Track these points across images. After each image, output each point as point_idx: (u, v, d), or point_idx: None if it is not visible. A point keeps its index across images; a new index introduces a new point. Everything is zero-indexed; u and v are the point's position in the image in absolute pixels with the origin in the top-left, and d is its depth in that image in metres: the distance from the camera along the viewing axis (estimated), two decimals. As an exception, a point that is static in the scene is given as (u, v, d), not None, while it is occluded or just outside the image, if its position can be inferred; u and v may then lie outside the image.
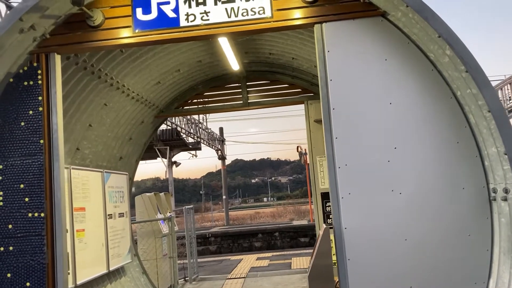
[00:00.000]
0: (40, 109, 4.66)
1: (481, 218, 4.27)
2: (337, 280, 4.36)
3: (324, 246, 4.36)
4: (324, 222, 8.03)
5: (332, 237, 4.44)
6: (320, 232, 4.60)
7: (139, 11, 4.76)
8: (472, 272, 4.25)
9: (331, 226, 4.46)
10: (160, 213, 9.94)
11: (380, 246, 4.34)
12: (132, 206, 9.18)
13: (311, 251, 14.63)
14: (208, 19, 4.70)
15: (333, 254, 4.41)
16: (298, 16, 4.67)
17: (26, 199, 4.58)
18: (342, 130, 4.49)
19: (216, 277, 11.20)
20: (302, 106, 8.47)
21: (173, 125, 23.53)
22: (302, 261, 12.85)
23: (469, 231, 4.28)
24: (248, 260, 13.82)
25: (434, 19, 4.04)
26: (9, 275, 4.54)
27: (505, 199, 4.01)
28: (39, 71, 4.71)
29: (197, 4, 4.73)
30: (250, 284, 10.10)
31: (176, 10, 4.73)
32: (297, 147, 23.75)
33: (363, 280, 4.31)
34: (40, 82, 4.70)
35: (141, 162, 9.50)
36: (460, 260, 4.28)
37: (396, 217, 4.35)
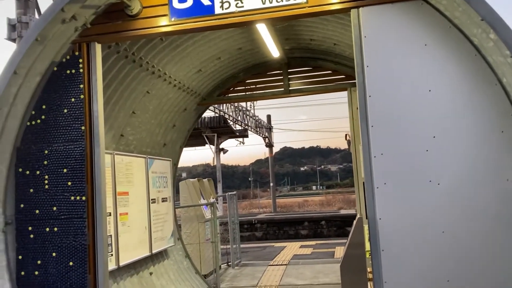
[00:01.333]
0: (82, 96, 4.85)
1: (526, 212, 4.04)
2: (370, 270, 4.28)
3: (357, 237, 4.29)
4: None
5: (366, 227, 4.35)
6: (354, 222, 4.53)
7: (175, -1, 4.81)
8: (514, 267, 4.04)
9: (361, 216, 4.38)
10: (204, 199, 10.13)
11: (416, 238, 4.20)
12: (177, 191, 9.43)
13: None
14: (242, 6, 4.68)
15: (366, 245, 4.33)
16: (334, 1, 4.56)
17: (69, 183, 4.80)
18: (378, 118, 4.37)
19: (258, 263, 11.31)
20: (346, 94, 8.30)
21: (221, 112, 23.80)
22: (346, 250, 12.72)
23: (511, 225, 4.06)
24: (292, 248, 13.85)
25: (477, 1, 3.82)
26: (54, 254, 4.79)
27: (552, 193, 3.77)
28: (81, 60, 4.88)
29: (232, -9, 4.71)
30: (291, 272, 10.14)
31: (211, -3, 4.75)
32: (346, 135, 23.41)
33: (397, 271, 4.20)
34: (81, 70, 4.87)
35: (190, 148, 9.73)
36: (501, 257, 4.07)
37: (434, 208, 4.20)
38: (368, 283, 4.23)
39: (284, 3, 4.60)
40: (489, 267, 4.07)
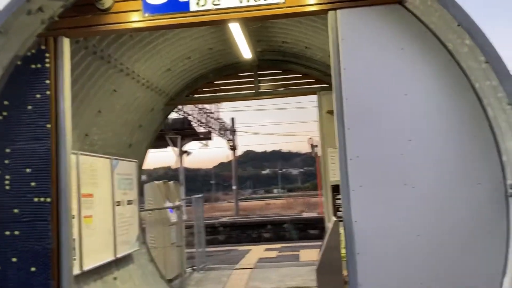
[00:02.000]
0: (48, 92, 4.60)
1: (497, 215, 4.12)
2: (346, 274, 4.25)
3: (333, 240, 4.25)
4: (334, 215, 7.91)
5: (341, 230, 4.33)
6: (329, 225, 4.50)
7: (149, -6, 4.65)
8: (486, 270, 4.11)
9: (341, 219, 4.35)
10: (169, 202, 9.91)
11: (391, 241, 4.22)
12: (141, 194, 9.18)
13: (320, 243, 14.52)
14: (219, 4, 4.58)
15: (342, 248, 4.30)
16: (311, 2, 4.54)
17: (33, 184, 4.54)
18: (354, 121, 4.36)
19: (224, 267, 11.17)
20: (314, 97, 8.32)
21: (185, 114, 23.49)
22: (310, 253, 12.77)
23: (484, 228, 4.13)
24: (257, 251, 13.79)
25: (454, 7, 3.87)
26: (14, 259, 4.51)
27: (523, 196, 3.87)
28: (47, 54, 4.64)
29: (208, -12, 4.60)
30: (257, 275, 10.06)
31: (186, -6, 4.62)
32: (309, 139, 23.65)
33: (373, 274, 4.20)
34: (48, 65, 4.64)
35: (152, 150, 9.48)
36: (474, 257, 4.14)
37: (409, 211, 4.22)
38: (344, 286, 4.20)
39: (262, 2, 4.53)
40: (462, 269, 4.13)
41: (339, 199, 7.92)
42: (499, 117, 4.01)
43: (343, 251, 4.28)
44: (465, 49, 4.05)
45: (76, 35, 4.92)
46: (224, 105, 28.62)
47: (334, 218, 4.47)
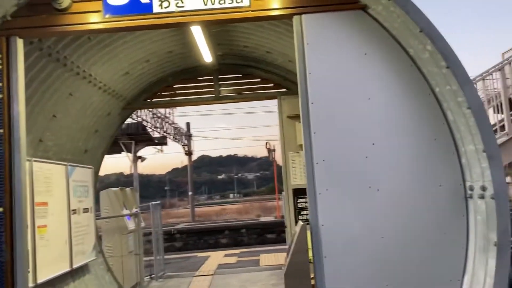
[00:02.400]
0: (0, 96, 4.34)
1: (457, 215, 4.26)
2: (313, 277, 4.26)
3: (301, 243, 4.24)
4: (296, 219, 7.95)
5: (309, 234, 4.33)
6: (296, 229, 4.49)
7: (109, -5, 4.49)
8: (448, 269, 4.24)
9: (305, 223, 4.36)
10: (126, 209, 9.62)
11: (357, 244, 4.26)
12: (97, 201, 8.85)
13: (279, 247, 14.51)
14: (183, 6, 4.49)
15: (310, 251, 4.30)
16: (276, 6, 4.53)
17: (-16, 193, 4.26)
18: (320, 125, 4.39)
19: (183, 275, 10.95)
20: (272, 102, 8.40)
21: (139, 118, 23.02)
22: (270, 258, 12.77)
23: (445, 229, 4.26)
24: (216, 257, 13.63)
25: (416, 13, 3.98)
26: (-37, 274, 4.21)
27: (482, 197, 4.00)
28: (-1, 55, 4.38)
29: (172, -10, 4.50)
30: (218, 282, 9.93)
31: (149, -5, 4.50)
32: (266, 143, 23.76)
33: (340, 277, 4.23)
34: (0, 67, 4.37)
35: (105, 156, 9.15)
36: (435, 258, 4.25)
37: (373, 214, 4.29)
38: (312, 290, 4.20)
39: (227, 5, 4.48)
40: (425, 269, 4.23)
41: (300, 203, 7.99)
42: (458, 120, 4.15)
43: (311, 254, 4.28)
44: (426, 54, 4.16)
45: (31, 35, 4.68)
46: (179, 109, 28.32)
47: (301, 222, 4.47)
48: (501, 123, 10.74)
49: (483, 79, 11.36)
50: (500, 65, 10.99)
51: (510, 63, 11.01)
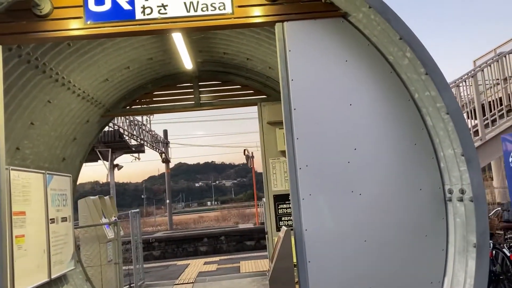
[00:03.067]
0: (-22, 103, 4.25)
1: (437, 218, 4.36)
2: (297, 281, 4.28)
3: (285, 249, 4.27)
4: (277, 225, 7.98)
5: (292, 239, 4.36)
6: (280, 235, 4.51)
7: (91, 1, 4.46)
8: (428, 271, 4.33)
9: (289, 228, 4.39)
10: (105, 218, 9.49)
11: (340, 248, 4.31)
12: (75, 210, 8.70)
13: (259, 254, 14.48)
14: (166, 13, 4.49)
15: (294, 257, 4.33)
16: (259, 13, 4.57)
17: (-39, 202, 4.15)
18: (303, 131, 4.43)
19: (163, 283, 10.85)
20: (250, 109, 8.47)
21: (116, 126, 22.75)
22: (250, 264, 12.75)
23: (426, 232, 4.35)
24: (196, 265, 13.54)
25: (396, 21, 4.08)
26: None
27: (460, 200, 4.11)
28: (-23, 62, 4.29)
29: (155, -4, 4.50)
30: (199, 290, 9.87)
31: (131, 2, 4.48)
32: (244, 150, 23.77)
33: (324, 282, 4.26)
34: (-22, 73, 4.28)
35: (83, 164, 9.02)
36: (416, 260, 4.33)
37: (356, 218, 4.35)
38: (297, 295, 4.22)
39: (210, 12, 4.50)
40: (407, 272, 4.30)
41: (281, 208, 8.03)
42: (437, 125, 4.26)
43: (295, 260, 4.30)
44: (406, 61, 4.27)
45: (10, 41, 4.60)
46: (156, 117, 28.14)
47: (285, 227, 4.50)
48: (475, 129, 11.04)
49: (457, 86, 11.66)
50: (473, 72, 11.31)
51: (482, 70, 11.34)
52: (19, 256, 5.73)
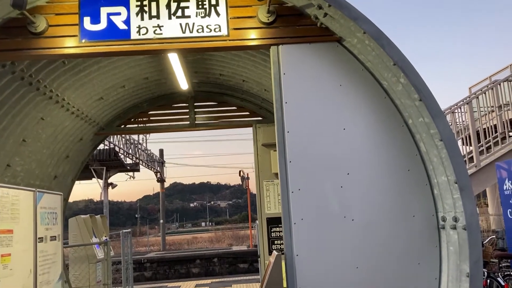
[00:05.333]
0: (-32, 119, 4.21)
1: (430, 246, 4.30)
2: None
3: (275, 274, 4.18)
4: (269, 248, 7.87)
5: (283, 264, 4.28)
6: (271, 260, 4.43)
7: (87, 20, 4.47)
8: (421, 298, 4.24)
9: (280, 252, 4.32)
10: (96, 237, 9.35)
11: (332, 274, 4.23)
12: (65, 228, 8.58)
13: (251, 277, 14.26)
14: (161, 33, 4.50)
15: (284, 282, 4.24)
16: (254, 36, 4.59)
17: None
18: (296, 154, 4.40)
19: (153, 306, 10.64)
20: (247, 130, 8.44)
21: (111, 144, 22.69)
22: (242, 288, 12.53)
23: (419, 259, 4.28)
24: (187, 287, 13.31)
25: (390, 46, 4.09)
26: None
27: (454, 228, 4.06)
28: (-30, 78, 4.27)
29: (150, 17, 4.52)
30: (189, 313, 9.66)
31: (127, 21, 4.50)
32: (240, 171, 23.67)
33: (314, 309, 4.17)
34: (-30, 89, 4.26)
35: (75, 182, 8.93)
36: (409, 287, 4.26)
37: (348, 244, 4.28)
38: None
39: (205, 34, 4.51)
40: (399, 300, 4.22)
41: (274, 232, 7.93)
42: (430, 152, 4.23)
43: (285, 285, 4.22)
44: (399, 87, 4.27)
45: (4, 58, 4.59)
46: (152, 136, 28.18)
47: (275, 252, 4.42)
48: (470, 155, 11.04)
49: (452, 112, 11.71)
50: (468, 99, 11.38)
51: (477, 97, 11.41)
52: (4, 276, 5.60)
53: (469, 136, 10.96)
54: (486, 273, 7.27)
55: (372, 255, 4.28)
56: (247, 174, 24.35)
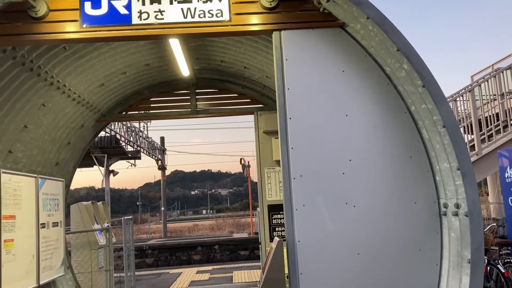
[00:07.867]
0: (-30, 104, 4.20)
1: (432, 232, 4.30)
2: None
3: (277, 260, 4.20)
4: (270, 235, 7.90)
5: (285, 250, 4.29)
6: (272, 245, 4.44)
7: (87, 5, 4.43)
8: (422, 286, 4.26)
9: (282, 239, 4.33)
10: (97, 224, 9.39)
11: (333, 260, 4.24)
12: (67, 215, 8.61)
13: (252, 264, 14.37)
14: (162, 18, 4.46)
15: (286, 268, 4.26)
16: (256, 22, 4.54)
17: None
18: (298, 140, 4.39)
19: (155, 292, 10.73)
20: (248, 118, 8.41)
21: (112, 132, 22.67)
22: (243, 274, 12.63)
23: (420, 246, 4.30)
24: (188, 274, 13.40)
25: (394, 32, 4.05)
26: None
27: (456, 214, 4.06)
28: (-30, 63, 4.25)
29: (151, 2, 4.47)
30: (190, 299, 9.75)
31: (128, 6, 4.45)
32: (241, 159, 23.65)
33: (315, 294, 4.19)
34: (-29, 74, 4.24)
35: (77, 169, 8.94)
36: (410, 275, 4.27)
37: (350, 230, 4.29)
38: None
39: (207, 19, 4.47)
40: (400, 286, 4.23)
41: (275, 219, 7.96)
42: (433, 139, 4.22)
43: (287, 271, 4.23)
44: (403, 73, 4.24)
45: (4, 43, 4.56)
46: (154, 123, 28.15)
47: (277, 238, 4.43)
48: (471, 143, 11.03)
49: (454, 100, 11.66)
50: (470, 87, 11.33)
51: (479, 85, 11.36)
52: (7, 261, 5.64)
53: (471, 124, 10.93)
54: (486, 260, 7.30)
55: (373, 242, 4.28)
56: (248, 162, 24.35)
